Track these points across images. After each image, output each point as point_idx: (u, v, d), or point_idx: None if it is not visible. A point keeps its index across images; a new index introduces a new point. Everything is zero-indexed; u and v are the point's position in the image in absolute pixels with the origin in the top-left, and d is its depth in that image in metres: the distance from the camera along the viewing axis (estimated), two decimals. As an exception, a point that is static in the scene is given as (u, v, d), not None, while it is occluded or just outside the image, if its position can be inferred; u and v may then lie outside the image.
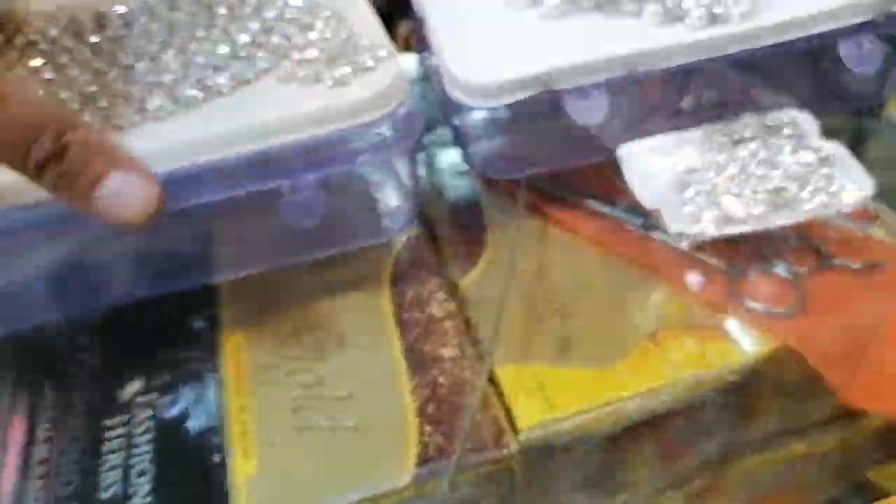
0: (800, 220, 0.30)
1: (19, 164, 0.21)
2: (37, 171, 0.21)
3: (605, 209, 0.36)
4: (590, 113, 0.31)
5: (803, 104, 0.35)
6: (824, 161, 0.32)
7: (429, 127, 0.43)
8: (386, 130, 0.29)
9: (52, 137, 0.21)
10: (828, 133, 0.37)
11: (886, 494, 0.41)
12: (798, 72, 0.35)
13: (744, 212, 0.30)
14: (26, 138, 0.21)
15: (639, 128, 0.34)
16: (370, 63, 0.29)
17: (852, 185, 0.31)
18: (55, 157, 0.21)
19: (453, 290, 0.34)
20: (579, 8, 0.33)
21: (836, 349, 0.30)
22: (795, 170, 0.31)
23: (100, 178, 0.22)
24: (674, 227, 0.30)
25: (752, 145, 0.32)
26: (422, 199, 0.39)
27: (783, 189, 0.30)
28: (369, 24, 0.32)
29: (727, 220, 0.30)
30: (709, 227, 0.30)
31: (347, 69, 0.29)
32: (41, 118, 0.21)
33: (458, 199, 0.39)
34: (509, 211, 0.38)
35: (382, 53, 0.30)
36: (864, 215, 0.35)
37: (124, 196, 0.22)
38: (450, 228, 0.37)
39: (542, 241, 0.36)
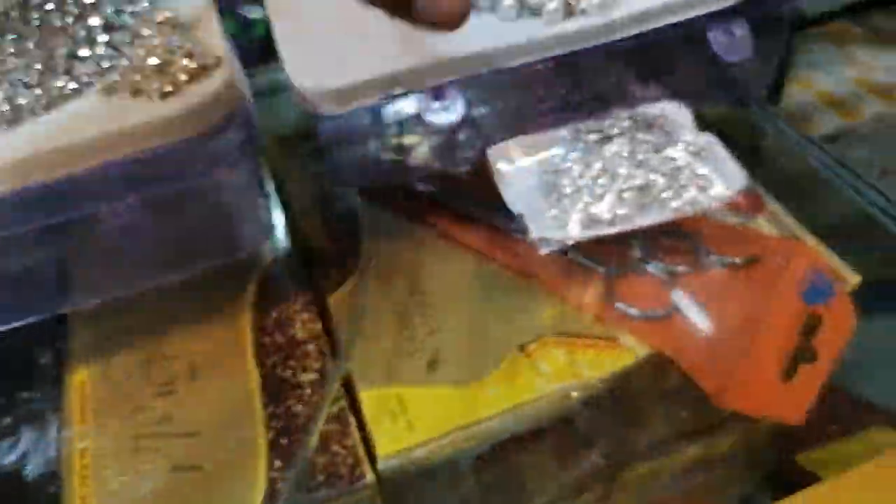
0: (668, 219, 0.29)
1: None
2: None
3: (485, 214, 0.34)
4: (446, 115, 0.29)
5: (685, 96, 0.33)
6: (695, 156, 0.30)
7: (308, 134, 0.41)
8: (219, 141, 0.27)
9: None
10: (719, 124, 0.36)
11: (817, 478, 0.40)
12: (676, 62, 0.34)
13: (609, 212, 0.29)
14: None
15: (509, 126, 0.32)
16: (199, 71, 0.27)
17: (722, 180, 0.29)
18: None
19: (322, 309, 0.32)
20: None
21: (711, 351, 0.29)
22: (663, 166, 0.29)
23: None
24: (536, 231, 0.29)
25: (620, 142, 0.30)
26: (297, 210, 0.37)
27: (649, 187, 0.29)
28: (206, 28, 0.30)
29: (592, 221, 0.29)
30: (574, 230, 0.29)
31: (174, 78, 0.27)
32: None
33: (336, 209, 0.37)
34: (388, 220, 0.36)
35: (212, 60, 0.28)
36: (748, 207, 0.34)
37: None
38: (324, 241, 0.35)
39: (419, 251, 0.34)
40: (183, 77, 0.27)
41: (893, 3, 0.62)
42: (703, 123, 0.33)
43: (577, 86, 0.32)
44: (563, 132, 0.32)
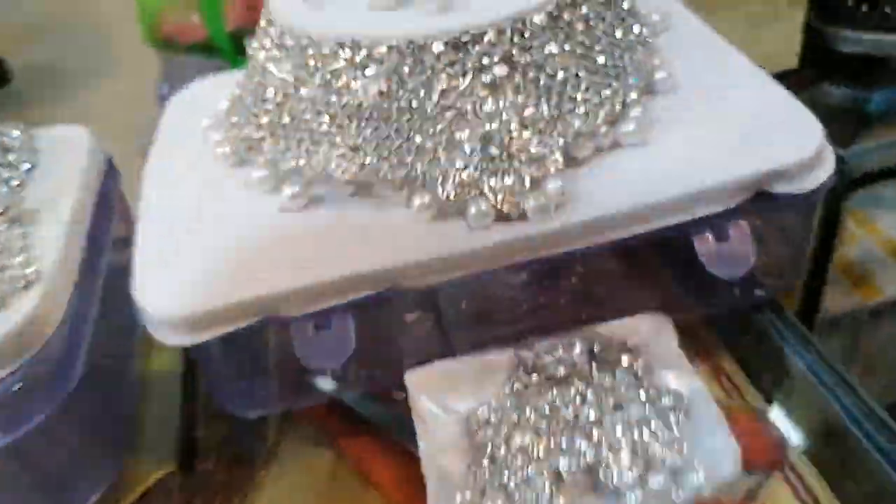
0: (624, 516, 0.20)
1: None
2: None
3: (409, 444, 0.27)
4: (325, 353, 0.22)
5: (669, 307, 0.25)
6: (672, 413, 0.22)
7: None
8: (19, 382, 0.21)
9: None
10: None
11: None
12: (657, 266, 0.26)
13: (543, 500, 0.21)
14: None
15: (429, 346, 0.25)
16: (9, 296, 0.21)
17: (703, 459, 0.21)
18: None
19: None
20: (332, 194, 0.24)
21: None
22: (623, 433, 0.21)
23: None
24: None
25: (567, 388, 0.22)
26: (199, 424, 0.30)
27: (600, 467, 0.21)
28: (48, 225, 0.24)
29: (518, 513, 0.21)
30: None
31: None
32: None
33: (237, 425, 0.30)
34: (297, 441, 0.29)
35: (21, 282, 0.22)
36: (764, 462, 0.25)
37: None
38: (217, 466, 0.28)
39: (324, 489, 0.27)
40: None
41: None
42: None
43: (522, 298, 0.25)
44: (502, 357, 0.24)
